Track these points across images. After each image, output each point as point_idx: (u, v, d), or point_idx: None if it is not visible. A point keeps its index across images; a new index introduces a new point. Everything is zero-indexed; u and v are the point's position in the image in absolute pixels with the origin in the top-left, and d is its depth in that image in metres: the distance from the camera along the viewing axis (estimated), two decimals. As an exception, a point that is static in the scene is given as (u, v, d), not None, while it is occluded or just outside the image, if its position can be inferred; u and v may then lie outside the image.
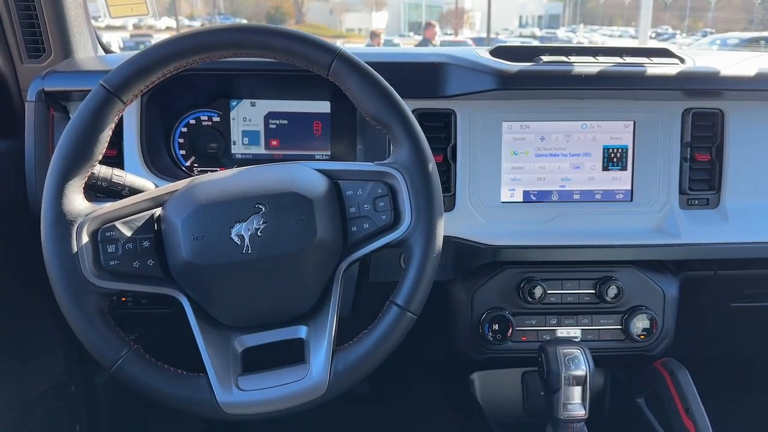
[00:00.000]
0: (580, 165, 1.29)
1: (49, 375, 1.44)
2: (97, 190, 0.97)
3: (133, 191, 0.99)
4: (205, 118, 1.34)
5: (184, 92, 1.31)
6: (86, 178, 0.89)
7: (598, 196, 1.30)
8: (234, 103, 1.34)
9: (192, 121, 1.34)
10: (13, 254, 1.27)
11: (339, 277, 0.92)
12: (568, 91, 1.24)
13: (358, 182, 0.92)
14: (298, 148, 1.35)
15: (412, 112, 0.95)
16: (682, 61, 1.29)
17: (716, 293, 1.45)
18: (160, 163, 1.27)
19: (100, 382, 1.58)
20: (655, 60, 1.26)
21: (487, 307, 1.31)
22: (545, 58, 1.25)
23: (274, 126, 1.34)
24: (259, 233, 0.87)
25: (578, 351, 1.16)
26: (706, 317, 1.53)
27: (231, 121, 1.34)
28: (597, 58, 1.26)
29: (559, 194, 1.29)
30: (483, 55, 1.28)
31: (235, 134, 1.34)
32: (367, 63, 0.92)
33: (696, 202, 1.30)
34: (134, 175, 1.02)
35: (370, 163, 0.94)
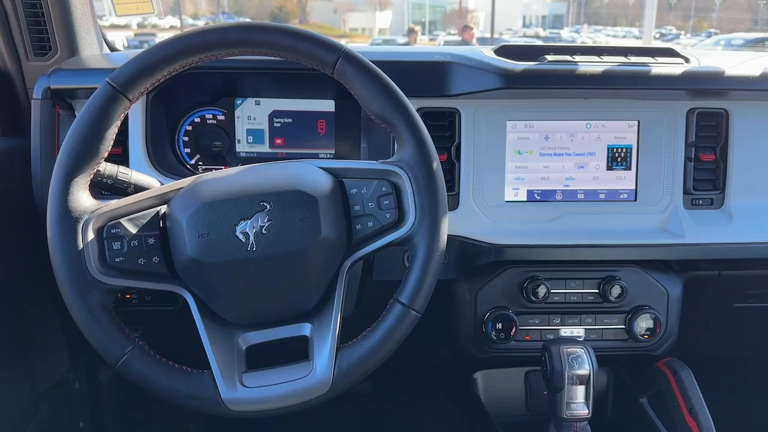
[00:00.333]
0: (584, 164, 1.29)
1: (54, 372, 1.44)
2: (102, 188, 0.97)
3: (139, 189, 0.99)
4: (210, 116, 1.34)
5: (189, 90, 1.31)
6: (92, 176, 0.90)
7: (602, 196, 1.30)
8: (239, 102, 1.34)
9: (197, 120, 1.34)
10: (18, 251, 1.27)
11: (343, 275, 0.92)
12: (572, 91, 1.24)
13: (363, 180, 0.93)
14: (303, 147, 1.36)
15: (417, 110, 0.95)
16: (686, 60, 1.29)
17: (720, 293, 1.44)
18: (165, 161, 1.27)
19: (104, 379, 1.59)
20: (660, 60, 1.26)
21: (490, 306, 1.31)
22: (550, 58, 1.25)
23: (279, 124, 1.35)
24: (263, 231, 0.87)
25: (582, 350, 1.16)
26: (709, 317, 1.53)
27: (236, 119, 1.34)
28: (601, 57, 1.26)
29: (563, 193, 1.29)
30: (487, 54, 1.28)
31: (240, 133, 1.35)
32: (371, 62, 0.93)
33: (700, 202, 1.30)
34: (139, 173, 1.02)
35: (375, 162, 0.94)
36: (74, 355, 1.49)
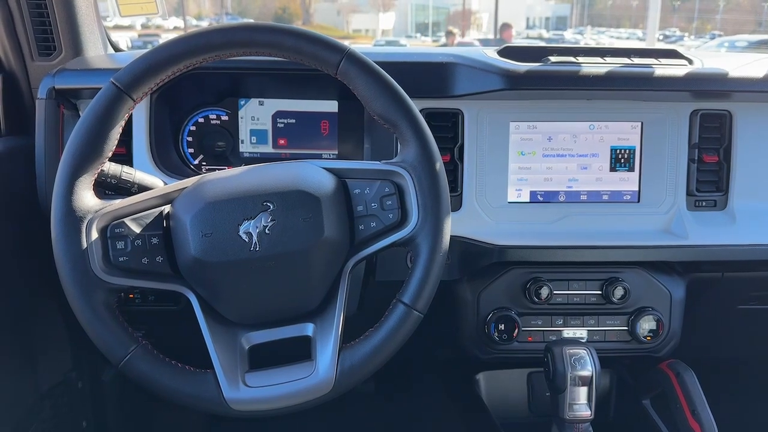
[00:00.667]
0: (587, 165, 1.29)
1: (57, 371, 1.45)
2: (106, 187, 0.97)
3: (142, 189, 0.99)
4: (214, 116, 1.35)
5: (193, 91, 1.31)
6: (96, 175, 0.90)
7: (605, 197, 1.30)
8: (242, 102, 1.34)
9: (200, 120, 1.35)
10: (22, 250, 1.28)
11: (346, 276, 0.92)
12: (575, 92, 1.24)
13: (366, 181, 0.93)
14: (306, 147, 1.36)
15: (420, 111, 0.95)
16: (690, 62, 1.29)
17: (723, 295, 1.44)
18: (168, 161, 1.28)
19: (107, 379, 1.59)
20: (663, 61, 1.26)
21: (493, 307, 1.31)
22: (553, 59, 1.25)
23: (282, 125, 1.35)
24: (267, 231, 0.87)
25: (584, 351, 1.16)
26: (713, 319, 1.53)
27: (239, 119, 1.35)
28: (605, 58, 1.26)
29: (566, 195, 1.29)
30: (491, 55, 1.28)
31: (243, 133, 1.35)
32: (375, 62, 0.93)
33: (703, 203, 1.30)
34: (143, 173, 1.03)
35: (378, 162, 0.94)
36: (77, 354, 1.49)
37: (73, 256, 0.85)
